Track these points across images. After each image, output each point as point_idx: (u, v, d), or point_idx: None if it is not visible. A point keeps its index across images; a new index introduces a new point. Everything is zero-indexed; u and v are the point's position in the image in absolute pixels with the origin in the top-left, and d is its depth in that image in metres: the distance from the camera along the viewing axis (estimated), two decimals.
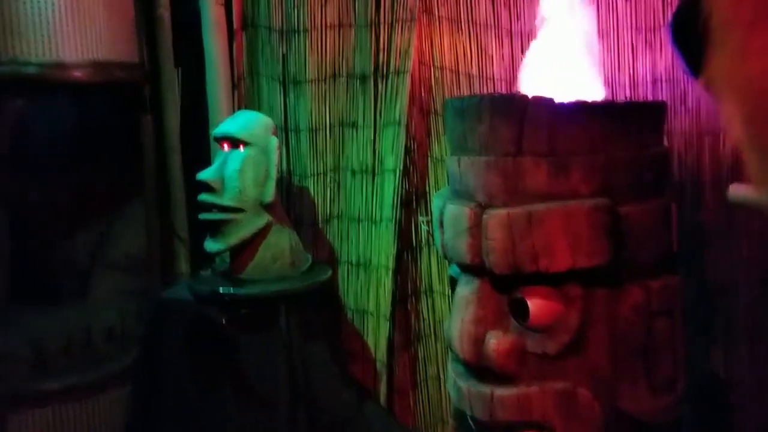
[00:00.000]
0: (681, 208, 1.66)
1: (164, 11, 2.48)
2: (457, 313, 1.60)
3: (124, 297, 2.53)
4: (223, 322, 2.01)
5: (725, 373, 2.05)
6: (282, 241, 2.16)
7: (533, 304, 1.48)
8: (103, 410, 2.32)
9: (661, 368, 1.56)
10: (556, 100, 1.49)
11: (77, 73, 2.20)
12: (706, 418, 2.01)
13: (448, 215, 1.62)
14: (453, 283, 1.71)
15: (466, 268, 1.61)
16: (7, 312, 2.38)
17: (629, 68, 2.09)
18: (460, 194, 1.63)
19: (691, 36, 1.19)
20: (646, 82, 2.07)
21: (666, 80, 2.05)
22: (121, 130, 2.51)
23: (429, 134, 2.34)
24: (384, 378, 2.36)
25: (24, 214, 2.46)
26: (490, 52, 2.21)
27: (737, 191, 1.46)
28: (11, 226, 2.44)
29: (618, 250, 1.47)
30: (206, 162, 2.42)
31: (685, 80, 2.03)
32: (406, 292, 2.41)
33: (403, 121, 2.27)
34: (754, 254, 1.98)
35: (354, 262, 2.44)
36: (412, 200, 2.37)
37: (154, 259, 2.55)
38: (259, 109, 2.46)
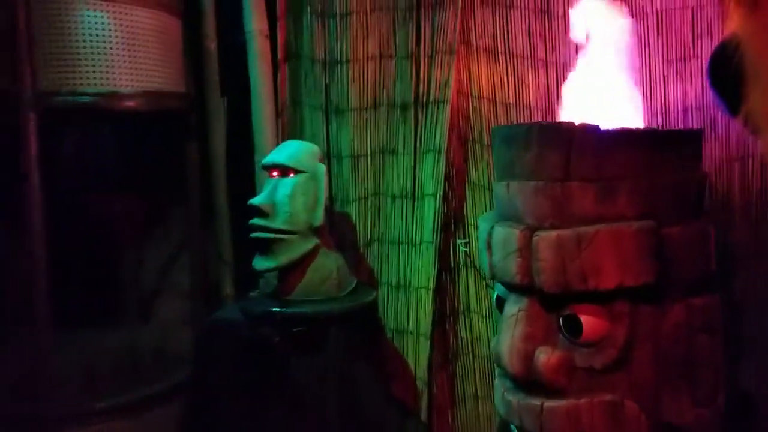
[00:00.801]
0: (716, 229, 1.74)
1: (211, 43, 2.60)
2: (506, 330, 1.68)
3: (171, 319, 2.62)
4: (277, 340, 2.10)
5: (757, 390, 2.12)
6: (329, 264, 2.26)
7: (585, 321, 1.56)
8: (149, 428, 2.39)
9: (703, 383, 1.64)
10: (602, 128, 1.59)
11: (130, 103, 2.30)
12: None
13: (496, 237, 1.71)
14: (499, 302, 1.79)
15: (514, 288, 1.69)
16: (59, 333, 2.46)
17: (661, 98, 2.19)
18: (508, 217, 1.72)
19: (727, 78, 1.32)
20: (678, 110, 2.17)
21: (696, 108, 2.15)
22: (168, 156, 2.62)
23: (467, 161, 2.44)
24: (425, 396, 2.43)
25: (75, 235, 2.55)
26: (526, 81, 2.32)
27: None
28: (60, 248, 2.52)
29: (662, 270, 1.56)
30: (251, 188, 2.53)
31: (715, 108, 2.13)
32: (445, 313, 2.50)
33: (443, 149, 2.37)
34: None
35: (394, 283, 2.53)
36: (451, 224, 2.46)
37: (199, 282, 2.64)
38: (302, 136, 2.57)
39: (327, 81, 2.54)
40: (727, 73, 1.32)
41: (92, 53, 2.18)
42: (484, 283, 2.44)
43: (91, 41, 2.17)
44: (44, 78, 2.13)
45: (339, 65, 2.52)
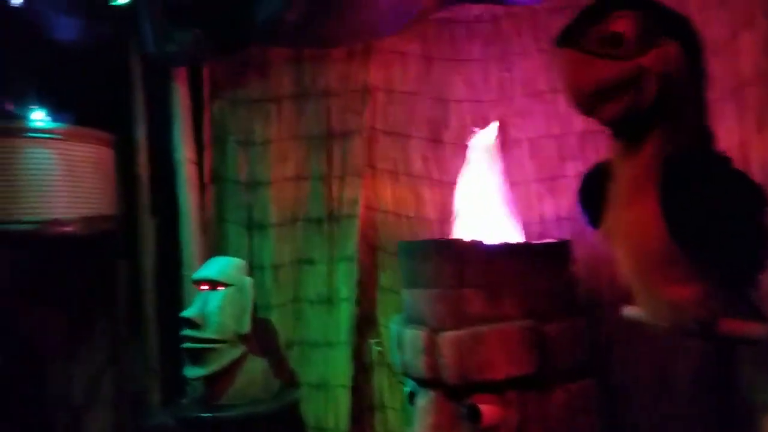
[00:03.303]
0: (588, 323, 2.08)
1: (143, 170, 2.83)
2: (419, 421, 1.94)
3: (101, 430, 2.71)
4: None
5: None
6: (255, 369, 2.45)
7: (484, 409, 1.84)
8: None
9: None
10: (487, 243, 1.93)
11: (68, 228, 2.49)
12: None
13: (406, 339, 1.99)
14: (411, 397, 2.05)
15: (423, 383, 1.97)
16: None
17: (538, 210, 2.58)
18: (415, 320, 2.01)
19: (592, 199, 1.63)
20: (552, 220, 2.56)
21: (568, 219, 2.55)
22: (99, 273, 2.78)
23: (376, 267, 2.74)
24: None
25: (5, 351, 2.63)
26: (424, 197, 2.68)
27: (629, 311, 1.91)
28: None
29: (543, 361, 1.87)
30: (179, 300, 2.72)
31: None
32: (362, 409, 2.71)
33: (355, 257, 2.67)
34: (648, 360, 2.43)
35: (314, 383, 2.74)
36: (364, 325, 2.72)
37: (128, 392, 2.76)
38: (226, 251, 2.80)
39: (249, 200, 2.82)
40: (592, 192, 1.62)
41: (36, 186, 2.38)
42: (397, 379, 2.68)
43: (35, 175, 2.38)
44: None
45: (260, 186, 2.81)
